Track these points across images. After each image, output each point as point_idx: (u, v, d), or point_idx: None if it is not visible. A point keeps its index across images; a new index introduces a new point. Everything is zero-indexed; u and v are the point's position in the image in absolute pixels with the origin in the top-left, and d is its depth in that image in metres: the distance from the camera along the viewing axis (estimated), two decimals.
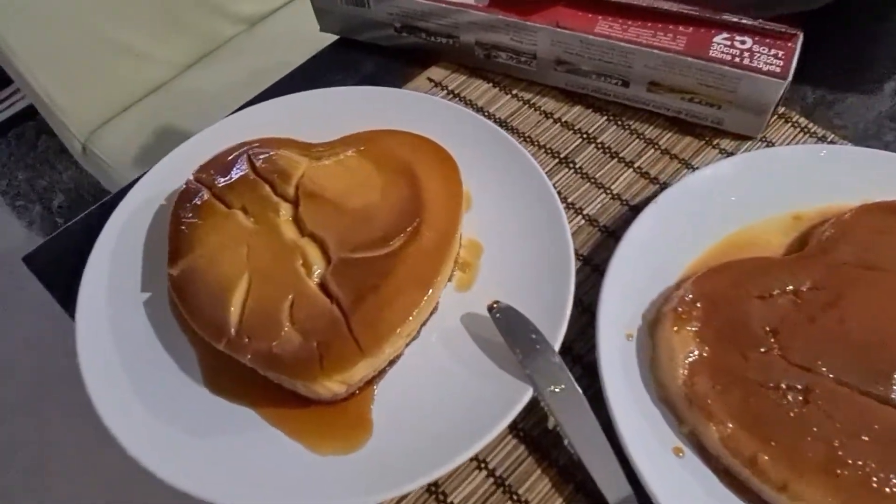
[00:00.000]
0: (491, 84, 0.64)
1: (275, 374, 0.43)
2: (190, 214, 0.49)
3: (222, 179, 0.50)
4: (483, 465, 0.44)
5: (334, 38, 0.70)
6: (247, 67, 1.04)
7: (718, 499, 0.41)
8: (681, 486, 0.41)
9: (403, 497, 0.44)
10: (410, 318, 0.44)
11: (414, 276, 0.45)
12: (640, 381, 0.45)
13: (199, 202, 0.49)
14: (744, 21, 0.55)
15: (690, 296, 0.46)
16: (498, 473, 0.44)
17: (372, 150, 0.52)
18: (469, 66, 0.65)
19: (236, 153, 0.52)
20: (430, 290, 0.45)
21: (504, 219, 0.53)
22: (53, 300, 0.54)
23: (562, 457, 0.44)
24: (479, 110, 0.63)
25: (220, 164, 0.52)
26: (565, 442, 0.45)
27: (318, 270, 0.45)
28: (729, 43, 0.55)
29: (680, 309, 0.45)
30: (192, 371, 0.47)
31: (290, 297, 0.44)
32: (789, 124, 0.59)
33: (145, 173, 0.56)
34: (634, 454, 0.41)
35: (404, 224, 0.47)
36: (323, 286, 0.45)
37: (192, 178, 0.52)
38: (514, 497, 0.43)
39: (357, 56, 0.68)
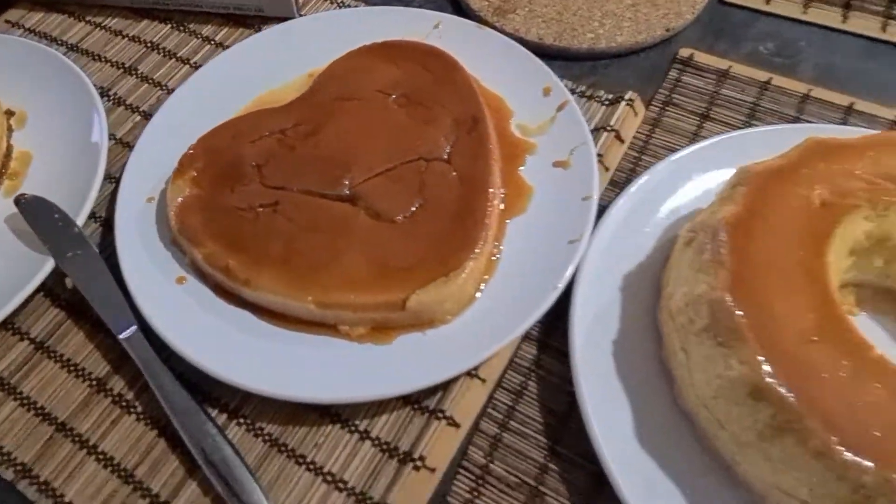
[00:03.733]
0: (66, 15, 0.68)
1: None
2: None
3: None
4: (24, 336, 0.49)
5: None
6: None
7: (214, 311, 0.47)
8: (181, 307, 0.47)
9: None
10: None
11: None
12: (157, 235, 0.51)
13: None
14: None
15: (192, 151, 0.52)
16: (39, 339, 0.49)
17: None
18: (46, 3, 0.68)
19: None
20: None
21: (53, 127, 0.57)
22: None
23: (93, 312, 0.49)
24: (54, 40, 0.66)
25: None
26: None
27: None
28: None
29: (182, 163, 0.51)
30: None
31: None
32: (326, 1, 0.66)
33: None
34: (133, 287, 0.47)
35: None
36: None
37: None
38: (54, 355, 0.48)
39: None
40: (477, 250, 0.46)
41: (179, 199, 0.50)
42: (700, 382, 0.38)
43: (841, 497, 0.33)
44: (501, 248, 0.48)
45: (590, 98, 0.57)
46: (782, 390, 0.34)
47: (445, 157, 0.50)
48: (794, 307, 0.36)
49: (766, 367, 0.34)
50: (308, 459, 0.43)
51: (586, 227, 0.47)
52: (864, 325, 0.44)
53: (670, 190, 0.48)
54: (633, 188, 0.49)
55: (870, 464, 0.32)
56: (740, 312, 0.36)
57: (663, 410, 0.41)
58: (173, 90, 0.61)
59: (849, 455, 0.32)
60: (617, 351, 0.43)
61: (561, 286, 0.45)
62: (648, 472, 0.39)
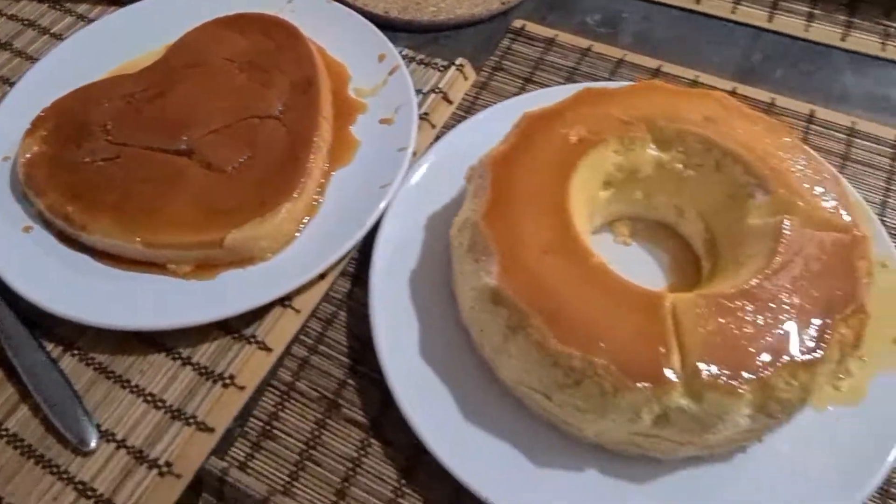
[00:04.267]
0: None
1: None
2: None
3: None
4: None
5: None
6: None
7: (56, 255, 0.51)
8: (25, 252, 0.51)
9: None
10: None
11: None
12: (10, 189, 0.55)
13: None
14: None
15: (43, 113, 0.56)
16: None
17: None
18: None
19: None
20: None
21: None
22: None
23: None
24: None
25: None
26: None
27: None
28: None
29: (33, 123, 0.55)
30: None
31: None
32: None
33: None
34: None
35: None
36: None
37: None
38: None
39: None
40: (295, 195, 0.50)
41: (28, 155, 0.54)
42: (466, 297, 0.43)
43: (560, 382, 0.38)
44: (324, 193, 0.53)
45: (427, 65, 0.62)
46: (513, 294, 0.39)
47: (278, 114, 0.55)
48: (537, 227, 0.41)
49: (504, 275, 0.39)
50: (133, 384, 0.47)
51: (398, 174, 0.52)
52: (635, 253, 0.49)
53: (476, 139, 0.53)
54: (444, 139, 0.54)
55: (576, 351, 0.37)
56: (490, 232, 0.41)
57: (448, 329, 0.46)
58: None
59: (560, 345, 0.37)
60: (413, 278, 0.48)
61: (368, 224, 0.50)
62: (428, 383, 0.44)
